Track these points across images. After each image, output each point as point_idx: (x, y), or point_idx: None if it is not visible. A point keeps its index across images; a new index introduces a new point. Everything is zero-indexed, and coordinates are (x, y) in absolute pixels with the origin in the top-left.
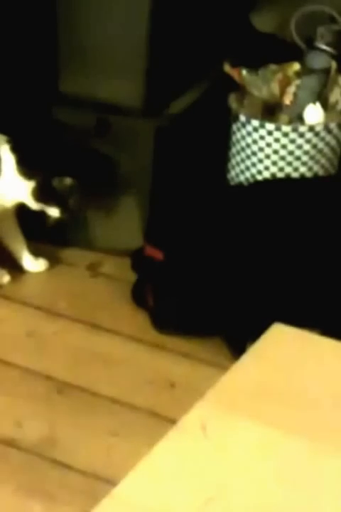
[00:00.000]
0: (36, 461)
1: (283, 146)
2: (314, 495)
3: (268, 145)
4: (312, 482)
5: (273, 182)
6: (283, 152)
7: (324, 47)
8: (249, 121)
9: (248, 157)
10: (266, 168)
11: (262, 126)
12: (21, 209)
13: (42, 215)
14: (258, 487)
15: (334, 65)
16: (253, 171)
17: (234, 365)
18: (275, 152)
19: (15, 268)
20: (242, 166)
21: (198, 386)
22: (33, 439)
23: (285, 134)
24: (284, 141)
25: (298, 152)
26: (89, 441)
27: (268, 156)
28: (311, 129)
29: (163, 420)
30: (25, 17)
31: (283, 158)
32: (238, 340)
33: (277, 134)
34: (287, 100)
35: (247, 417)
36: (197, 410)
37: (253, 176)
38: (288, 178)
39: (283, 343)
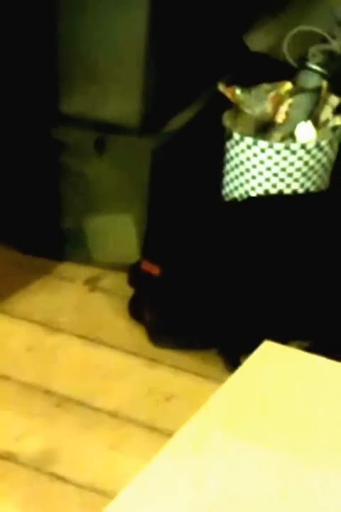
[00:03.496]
0: (35, 475)
1: (276, 163)
2: None
3: (261, 162)
4: (304, 499)
5: (266, 198)
6: (275, 169)
7: (315, 67)
8: (242, 139)
9: (241, 174)
10: (259, 184)
11: (255, 143)
12: (19, 223)
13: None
14: (250, 503)
15: (325, 84)
16: (247, 187)
17: (224, 383)
18: (268, 169)
19: (14, 283)
20: (236, 183)
21: (195, 399)
22: (32, 454)
23: (278, 152)
24: (276, 158)
25: (290, 169)
26: (89, 455)
27: (261, 173)
28: (303, 146)
29: (162, 434)
30: (25, 36)
31: (275, 174)
32: (232, 354)
33: (270, 152)
34: (279, 118)
35: (240, 434)
36: (190, 426)
37: (246, 192)
38: (280, 194)
39: (273, 361)
